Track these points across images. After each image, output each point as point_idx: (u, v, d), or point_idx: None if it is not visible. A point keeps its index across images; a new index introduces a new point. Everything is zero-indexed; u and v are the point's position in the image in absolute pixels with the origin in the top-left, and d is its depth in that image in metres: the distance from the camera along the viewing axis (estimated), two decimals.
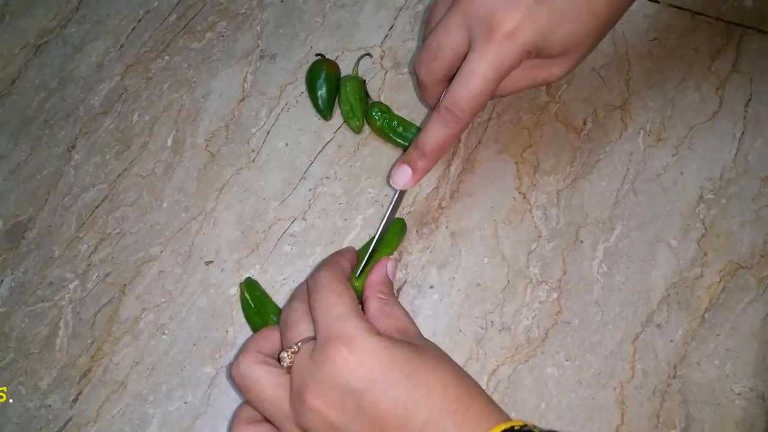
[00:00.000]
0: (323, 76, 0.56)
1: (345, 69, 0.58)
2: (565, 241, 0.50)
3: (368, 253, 0.48)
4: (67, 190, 0.55)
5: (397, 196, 0.49)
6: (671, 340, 0.47)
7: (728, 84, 0.55)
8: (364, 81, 0.57)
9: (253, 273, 0.50)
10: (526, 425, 0.35)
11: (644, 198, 0.51)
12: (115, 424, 0.46)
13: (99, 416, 0.47)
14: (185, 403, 0.47)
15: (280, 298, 0.49)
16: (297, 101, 0.57)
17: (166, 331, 0.49)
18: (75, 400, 0.47)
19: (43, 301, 0.51)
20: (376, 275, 0.45)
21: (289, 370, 0.39)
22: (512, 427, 0.35)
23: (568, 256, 0.50)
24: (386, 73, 0.58)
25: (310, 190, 0.54)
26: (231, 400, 0.46)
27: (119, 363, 0.48)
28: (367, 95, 0.56)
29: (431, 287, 0.49)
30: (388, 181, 0.52)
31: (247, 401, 0.41)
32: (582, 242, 0.50)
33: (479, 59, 0.43)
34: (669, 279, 0.49)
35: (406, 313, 0.43)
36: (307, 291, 0.43)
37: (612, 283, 0.49)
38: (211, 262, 0.51)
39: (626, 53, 0.57)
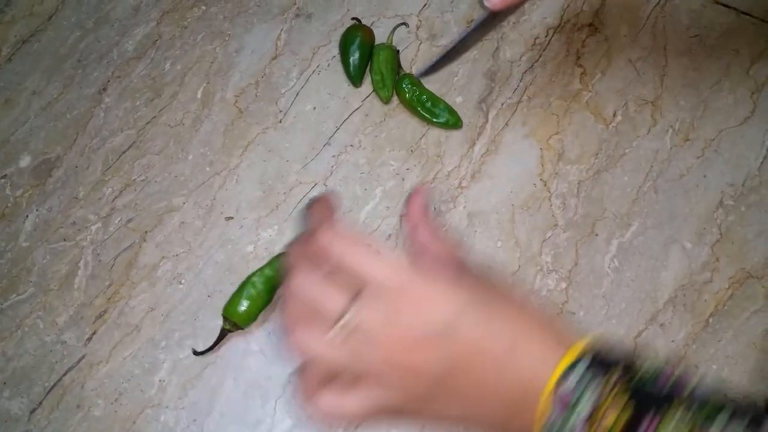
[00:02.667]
0: (357, 41, 0.56)
1: (380, 36, 0.58)
2: (581, 232, 0.51)
3: (442, 55, 0.47)
4: (95, 132, 0.56)
5: (484, 19, 0.46)
6: (673, 341, 0.47)
7: (764, 90, 0.55)
8: (398, 51, 0.57)
9: (271, 233, 0.52)
10: (608, 342, 0.36)
11: (664, 197, 0.52)
12: (126, 365, 0.48)
13: (111, 357, 0.49)
14: (195, 354, 0.48)
15: None
16: (329, 65, 0.57)
17: (182, 281, 0.50)
18: (89, 339, 0.49)
19: (65, 239, 0.52)
20: (418, 202, 0.44)
21: (344, 338, 0.38)
22: (596, 344, 0.36)
23: (582, 247, 0.50)
24: (420, 44, 0.58)
25: (333, 156, 0.54)
26: (239, 353, 0.48)
27: (135, 307, 0.50)
28: (399, 66, 0.56)
29: None
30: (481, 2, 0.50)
31: (313, 372, 0.39)
32: (597, 235, 0.50)
33: None
34: (678, 280, 0.49)
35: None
36: (299, 262, 0.41)
37: (621, 278, 0.49)
38: (231, 218, 0.52)
39: (664, 48, 0.57)
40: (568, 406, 0.35)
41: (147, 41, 0.59)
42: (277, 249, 0.51)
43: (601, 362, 0.35)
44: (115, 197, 0.53)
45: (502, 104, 0.55)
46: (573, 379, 0.35)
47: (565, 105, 0.55)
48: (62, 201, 0.54)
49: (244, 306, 0.47)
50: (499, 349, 0.36)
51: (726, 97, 0.55)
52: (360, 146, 0.54)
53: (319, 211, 0.43)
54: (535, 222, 0.51)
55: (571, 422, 0.35)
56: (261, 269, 0.49)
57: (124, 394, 0.47)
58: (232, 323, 0.47)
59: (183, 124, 0.56)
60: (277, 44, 0.58)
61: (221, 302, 0.50)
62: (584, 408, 0.34)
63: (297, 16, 0.60)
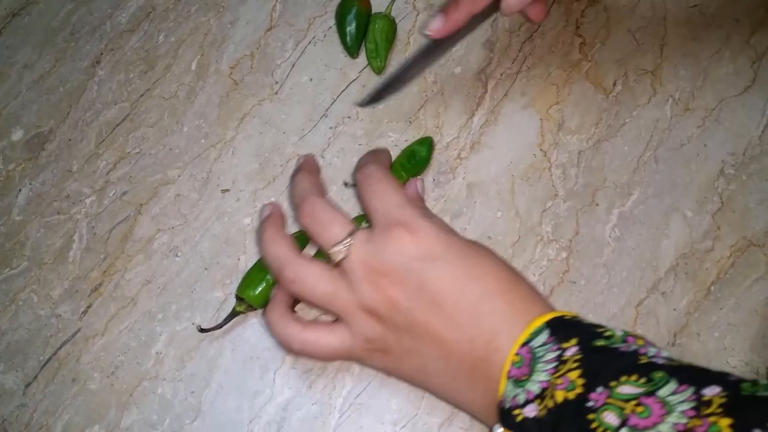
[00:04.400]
0: (354, 11, 0.55)
1: (376, 6, 0.57)
2: (581, 202, 0.50)
3: (383, 84, 0.50)
4: (89, 105, 0.55)
5: (427, 46, 0.49)
6: (674, 309, 0.47)
7: (765, 59, 0.54)
8: (395, 21, 0.56)
9: None
10: (576, 317, 0.37)
11: (665, 167, 0.51)
12: (123, 338, 0.48)
13: (107, 330, 0.48)
14: (193, 323, 0.48)
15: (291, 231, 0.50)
16: (325, 36, 0.57)
17: (179, 254, 0.50)
18: (85, 312, 0.49)
19: (59, 213, 0.52)
20: (411, 191, 0.47)
21: (338, 263, 0.41)
22: (563, 316, 0.37)
23: (582, 217, 0.50)
24: (418, 14, 0.57)
25: (330, 128, 0.53)
26: (237, 324, 0.47)
27: (131, 280, 0.49)
28: (395, 36, 0.55)
29: None
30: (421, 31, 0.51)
31: (308, 301, 0.43)
32: (597, 205, 0.50)
33: None
34: (680, 249, 0.49)
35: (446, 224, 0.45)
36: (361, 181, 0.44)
37: (622, 247, 0.49)
38: (228, 190, 0.52)
39: (664, 18, 0.56)
40: (523, 376, 0.35)
41: (140, 14, 0.58)
42: None
43: (559, 335, 0.35)
44: (110, 170, 0.53)
45: (501, 75, 0.54)
46: (528, 350, 0.35)
47: (565, 75, 0.54)
48: (56, 174, 0.53)
49: (261, 287, 0.46)
50: (470, 297, 0.38)
51: (726, 67, 0.54)
52: (357, 118, 0.54)
53: (374, 154, 0.47)
54: (535, 192, 0.51)
55: (525, 391, 0.35)
56: None
57: (121, 367, 0.47)
58: (247, 305, 0.46)
59: (177, 96, 0.55)
60: (272, 15, 0.58)
61: (218, 274, 0.49)
62: (538, 379, 0.35)
63: None
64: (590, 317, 0.47)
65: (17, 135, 0.54)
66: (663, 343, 0.46)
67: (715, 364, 0.45)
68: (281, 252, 0.42)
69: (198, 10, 0.58)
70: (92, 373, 0.47)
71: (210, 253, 0.50)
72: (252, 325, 0.47)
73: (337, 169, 0.52)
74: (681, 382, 0.31)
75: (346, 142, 0.53)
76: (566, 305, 0.47)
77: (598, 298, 0.47)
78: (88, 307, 0.49)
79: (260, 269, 0.47)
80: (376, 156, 0.47)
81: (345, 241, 0.40)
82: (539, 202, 0.50)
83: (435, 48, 0.49)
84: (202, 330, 0.46)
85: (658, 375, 0.32)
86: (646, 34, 0.56)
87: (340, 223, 0.41)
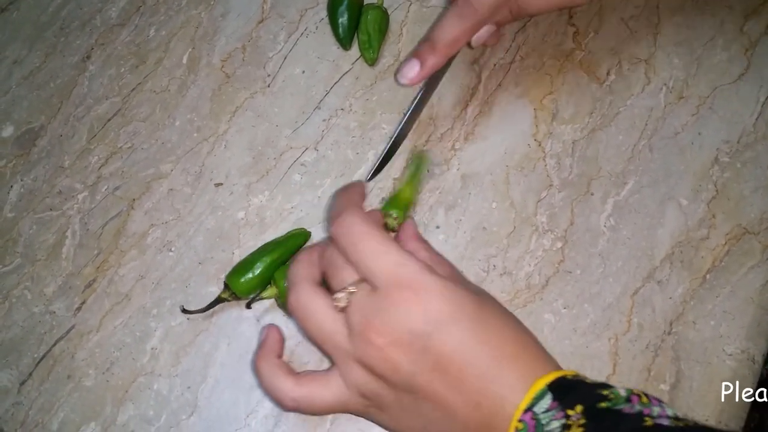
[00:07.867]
0: (346, 3, 0.55)
1: None
2: (576, 192, 0.50)
3: (384, 153, 0.49)
4: (80, 101, 0.55)
5: (419, 96, 0.50)
6: (670, 298, 0.47)
7: (758, 46, 0.54)
8: (386, 11, 0.56)
9: (262, 199, 0.51)
10: (577, 375, 0.36)
11: (659, 155, 0.51)
12: (117, 334, 0.47)
13: (102, 326, 0.48)
14: (187, 318, 0.47)
15: (286, 226, 0.50)
16: (317, 27, 0.56)
17: (172, 248, 0.49)
18: (79, 309, 0.48)
19: (51, 209, 0.51)
20: (411, 229, 0.45)
21: (343, 309, 0.39)
22: (564, 377, 0.35)
23: (577, 207, 0.50)
24: (410, 5, 0.57)
25: (323, 120, 0.53)
26: (233, 319, 0.47)
27: (124, 276, 0.49)
28: (388, 27, 0.55)
29: (437, 227, 0.50)
30: (395, 78, 0.50)
31: (304, 329, 0.40)
32: (593, 194, 0.50)
33: None
34: (675, 237, 0.49)
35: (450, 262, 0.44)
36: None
37: (618, 237, 0.49)
38: (221, 184, 0.51)
39: (657, 6, 0.56)
40: None
41: (130, 8, 0.58)
42: (269, 214, 0.50)
43: (563, 400, 0.34)
44: (102, 165, 0.52)
45: (495, 65, 0.54)
46: (532, 416, 0.34)
47: (558, 64, 0.54)
48: (47, 170, 0.52)
49: (247, 276, 0.46)
50: (478, 363, 0.36)
51: (720, 54, 0.54)
52: (351, 110, 0.53)
53: (346, 196, 0.44)
54: (530, 182, 0.51)
55: None
56: (279, 243, 0.48)
57: (116, 363, 0.47)
58: (232, 293, 0.46)
59: (169, 90, 0.55)
60: (263, 7, 0.57)
61: (213, 269, 0.49)
62: None
63: None
64: (585, 307, 0.47)
65: (8, 131, 0.54)
66: (660, 332, 0.46)
67: (711, 352, 0.45)
68: (300, 274, 0.41)
69: (189, 3, 0.58)
70: (87, 370, 0.46)
71: (204, 248, 0.49)
72: (247, 320, 0.47)
73: (330, 162, 0.52)
74: None
75: (339, 134, 0.53)
76: (561, 295, 0.47)
77: (593, 287, 0.47)
78: (82, 303, 0.48)
79: (252, 259, 0.47)
80: (349, 198, 0.43)
81: (348, 290, 0.38)
82: (534, 193, 0.50)
83: (420, 101, 0.50)
84: (184, 311, 0.46)
85: None
86: (639, 23, 0.55)
87: (349, 272, 0.39)
